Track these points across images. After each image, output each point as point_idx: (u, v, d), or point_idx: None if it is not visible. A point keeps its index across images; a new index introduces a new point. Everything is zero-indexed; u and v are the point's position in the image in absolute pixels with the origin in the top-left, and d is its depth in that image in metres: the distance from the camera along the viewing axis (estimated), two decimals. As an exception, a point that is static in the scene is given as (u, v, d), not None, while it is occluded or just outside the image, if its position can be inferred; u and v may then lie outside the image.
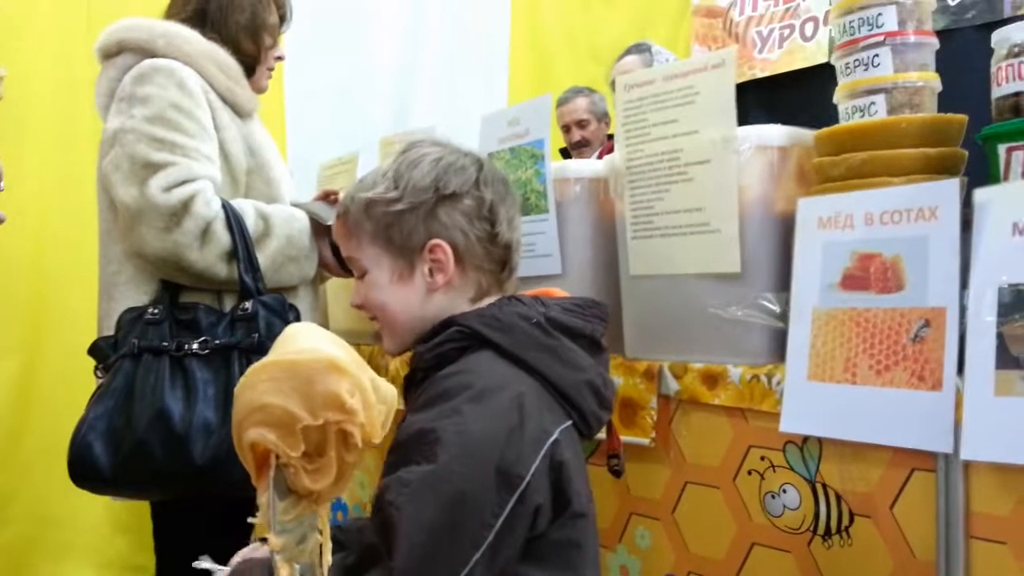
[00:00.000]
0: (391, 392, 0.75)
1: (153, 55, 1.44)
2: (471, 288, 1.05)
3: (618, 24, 3.92)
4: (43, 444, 2.59)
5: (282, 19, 1.64)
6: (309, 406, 0.70)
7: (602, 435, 1.12)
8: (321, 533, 0.75)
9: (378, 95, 3.36)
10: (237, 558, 1.00)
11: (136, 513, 2.70)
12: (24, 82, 2.55)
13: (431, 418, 0.90)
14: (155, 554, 1.54)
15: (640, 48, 3.16)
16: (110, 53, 1.50)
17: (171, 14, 1.55)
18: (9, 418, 2.67)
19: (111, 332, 1.42)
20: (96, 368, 1.43)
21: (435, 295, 1.04)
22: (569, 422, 0.98)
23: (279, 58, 1.65)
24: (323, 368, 0.71)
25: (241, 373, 1.33)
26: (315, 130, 3.11)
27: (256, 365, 0.72)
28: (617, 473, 1.16)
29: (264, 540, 0.74)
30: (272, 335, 1.38)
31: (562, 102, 3.47)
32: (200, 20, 1.52)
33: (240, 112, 1.53)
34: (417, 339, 1.04)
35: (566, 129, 3.48)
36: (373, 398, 0.72)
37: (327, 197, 1.65)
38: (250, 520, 0.72)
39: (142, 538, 2.66)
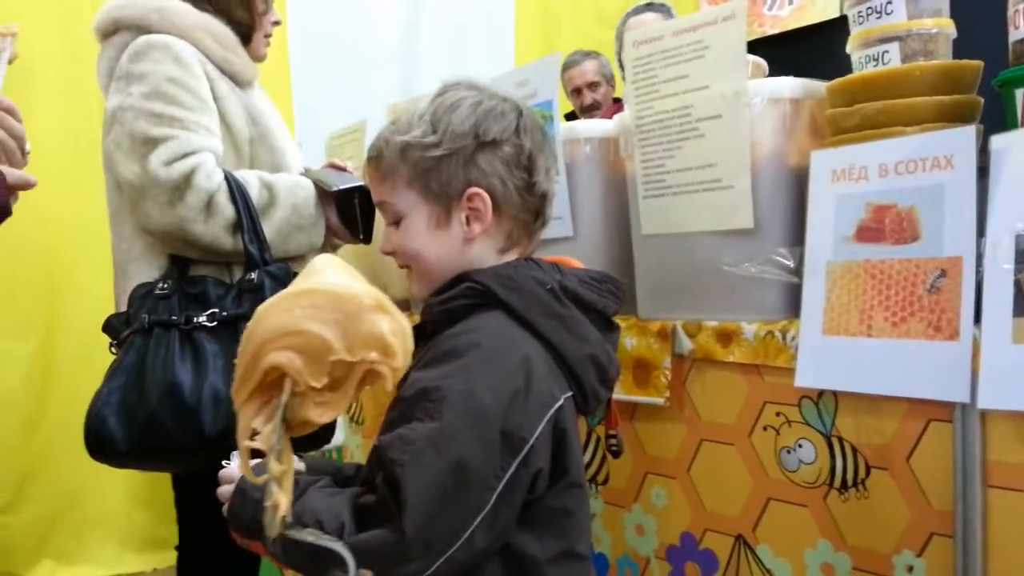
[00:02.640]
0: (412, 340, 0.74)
1: (148, 31, 1.43)
2: (502, 238, 1.02)
3: (626, -14, 3.87)
4: (62, 423, 2.62)
5: None
6: (348, 341, 0.68)
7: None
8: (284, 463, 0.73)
9: (384, 62, 3.33)
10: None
11: (155, 487, 2.74)
12: (32, 64, 2.55)
13: (437, 376, 0.89)
14: (178, 524, 1.56)
15: (658, 8, 3.04)
16: (107, 32, 1.49)
17: None
18: (28, 398, 2.70)
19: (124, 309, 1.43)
20: (111, 345, 1.44)
21: (472, 243, 1.01)
22: (570, 393, 0.96)
23: (275, 23, 1.63)
24: (370, 306, 0.69)
25: None
26: (322, 101, 3.10)
27: (291, 289, 0.70)
28: (615, 453, 1.16)
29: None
30: None
31: (570, 65, 3.43)
32: None
33: (239, 81, 1.52)
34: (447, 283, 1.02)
35: (576, 92, 3.44)
36: (410, 344, 0.72)
37: (334, 167, 1.64)
38: (246, 443, 0.71)
39: (162, 512, 2.71)
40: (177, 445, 1.32)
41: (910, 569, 1.01)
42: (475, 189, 0.99)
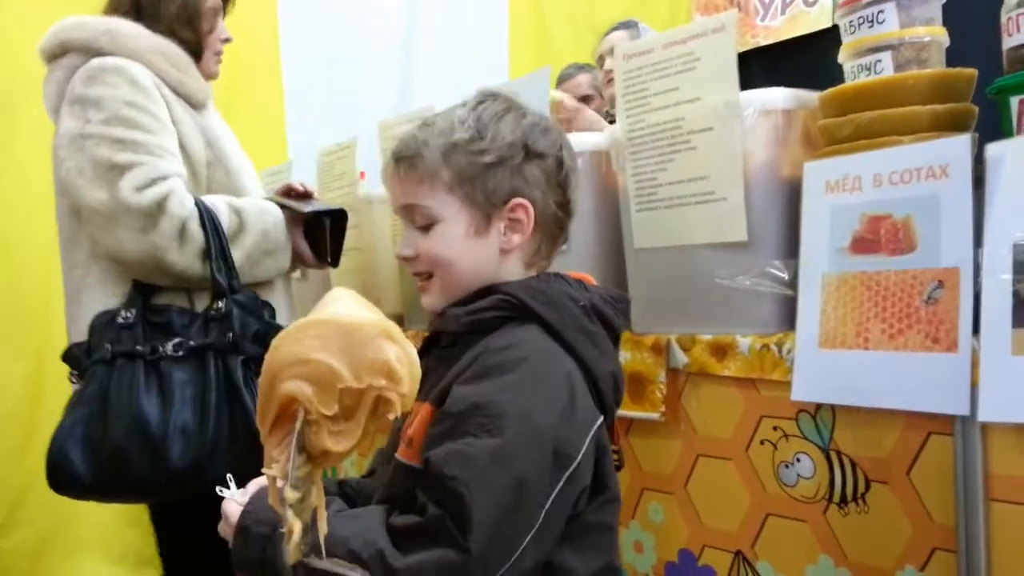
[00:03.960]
0: (419, 371, 0.75)
1: (98, 53, 1.40)
2: (532, 252, 1.01)
3: (619, -2, 3.88)
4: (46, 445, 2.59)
5: (224, 1, 1.59)
6: (355, 368, 0.70)
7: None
8: (314, 497, 0.74)
9: (377, 78, 3.32)
10: (253, 487, 0.98)
11: (146, 507, 2.71)
12: (23, 86, 2.53)
13: (489, 391, 0.88)
14: (159, 553, 1.52)
15: (628, 24, 3.14)
16: (54, 54, 1.46)
17: (108, 11, 1.51)
18: (20, 420, 2.68)
19: (81, 337, 1.40)
20: (71, 374, 1.41)
21: (508, 255, 0.99)
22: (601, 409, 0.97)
23: (225, 40, 1.60)
24: (376, 333, 0.71)
25: (218, 374, 1.35)
26: (315, 117, 3.09)
27: (303, 320, 0.72)
28: (615, 468, 1.14)
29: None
30: (248, 334, 1.37)
31: (564, 78, 3.42)
32: (136, 13, 1.48)
33: (193, 103, 1.50)
34: (471, 294, 1.00)
35: (570, 106, 3.44)
36: (418, 371, 0.73)
37: (290, 193, 1.61)
38: (264, 471, 0.72)
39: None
40: (141, 480, 1.29)
41: (912, 585, 0.99)
42: (520, 200, 0.98)
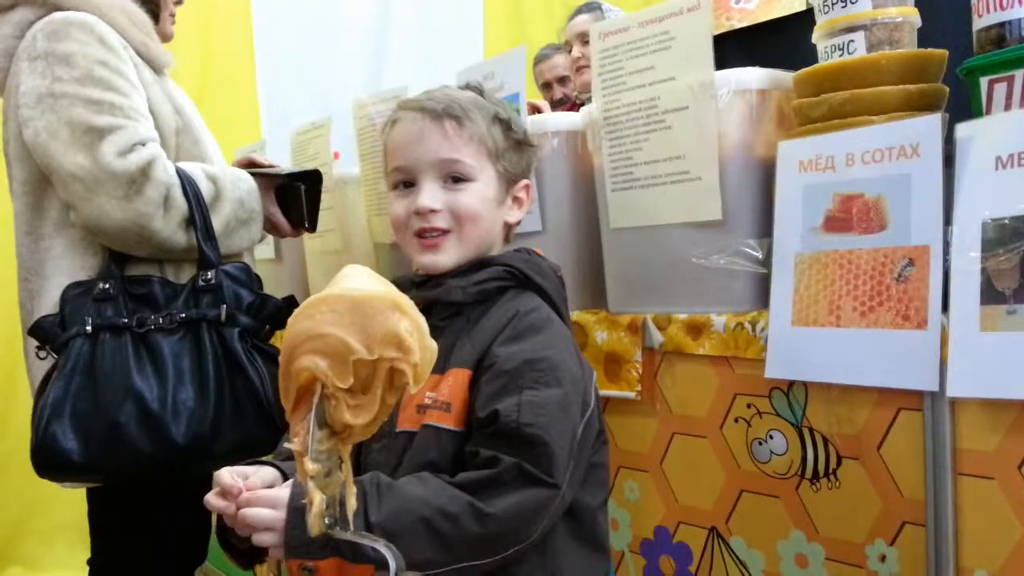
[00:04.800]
0: (434, 343, 0.76)
1: (58, 8, 1.32)
2: (509, 231, 1.12)
3: (593, -21, 3.86)
4: (25, 429, 2.56)
5: None
6: (366, 341, 0.71)
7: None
8: (343, 472, 0.76)
9: (352, 54, 3.30)
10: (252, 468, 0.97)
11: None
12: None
13: (535, 348, 0.96)
14: (92, 539, 1.45)
15: (591, 7, 3.13)
16: (2, 7, 1.36)
17: None
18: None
19: (49, 310, 1.33)
20: (38, 349, 1.33)
21: (506, 228, 1.09)
22: None
23: (178, 2, 1.53)
24: (386, 306, 0.72)
25: (213, 347, 1.31)
26: (289, 97, 3.06)
27: (316, 297, 0.73)
28: None
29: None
30: (241, 306, 1.33)
31: (540, 59, 3.41)
32: None
33: (156, 68, 1.43)
34: (469, 261, 1.04)
35: (546, 86, 3.42)
36: (428, 342, 0.74)
37: (251, 164, 1.58)
38: (286, 444, 0.74)
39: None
40: (143, 455, 1.24)
41: (883, 558, 1.01)
42: (527, 181, 1.10)
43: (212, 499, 0.92)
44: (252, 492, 0.90)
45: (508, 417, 0.90)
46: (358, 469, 0.98)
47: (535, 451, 0.89)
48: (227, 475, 0.92)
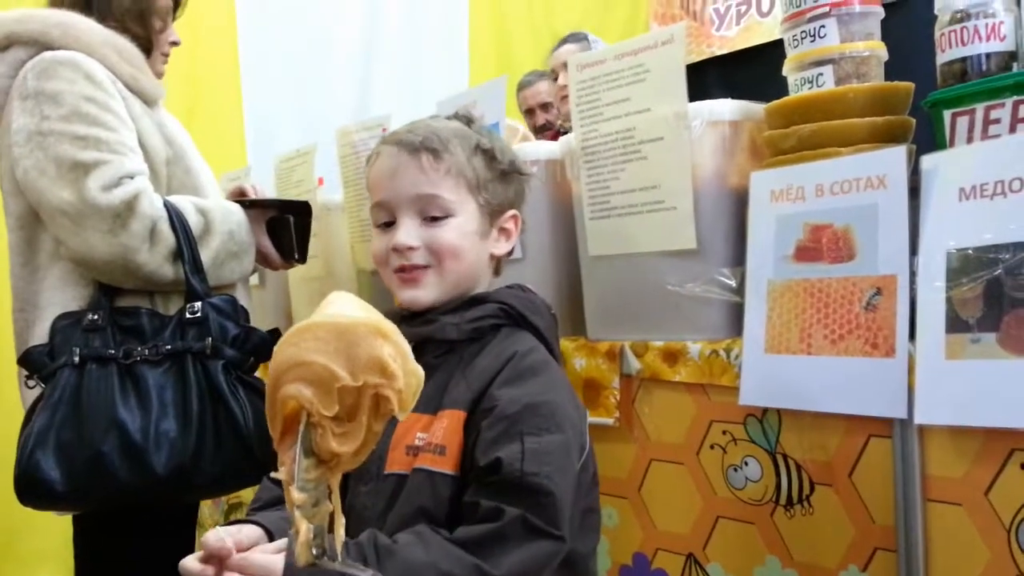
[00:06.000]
0: (420, 368, 0.76)
1: (49, 47, 1.35)
2: (497, 265, 1.10)
3: (578, 6, 3.92)
4: (5, 455, 2.54)
5: (176, 2, 1.55)
6: (351, 367, 0.71)
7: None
8: (332, 501, 0.75)
9: (338, 82, 3.32)
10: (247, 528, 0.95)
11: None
12: None
13: (534, 392, 0.94)
14: (75, 560, 1.44)
15: (577, 37, 3.18)
16: None
17: (55, 3, 1.45)
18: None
19: (40, 340, 1.35)
20: (27, 378, 1.35)
21: (492, 261, 1.08)
22: None
23: (173, 43, 1.56)
24: (369, 332, 0.72)
25: (198, 379, 1.32)
26: (275, 123, 3.07)
27: (301, 324, 0.73)
28: None
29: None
30: (227, 338, 1.34)
31: (524, 85, 3.45)
32: (85, 6, 1.43)
33: (147, 100, 1.45)
34: (452, 299, 1.03)
35: (529, 112, 3.46)
36: (412, 367, 0.74)
37: (243, 195, 1.60)
38: (272, 475, 0.74)
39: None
40: (124, 485, 1.25)
41: (856, 584, 1.02)
42: (515, 211, 1.08)
43: (190, 563, 0.87)
44: (243, 556, 0.86)
45: (511, 466, 0.88)
46: (345, 513, 0.97)
47: (540, 502, 0.87)
48: (214, 537, 0.87)
